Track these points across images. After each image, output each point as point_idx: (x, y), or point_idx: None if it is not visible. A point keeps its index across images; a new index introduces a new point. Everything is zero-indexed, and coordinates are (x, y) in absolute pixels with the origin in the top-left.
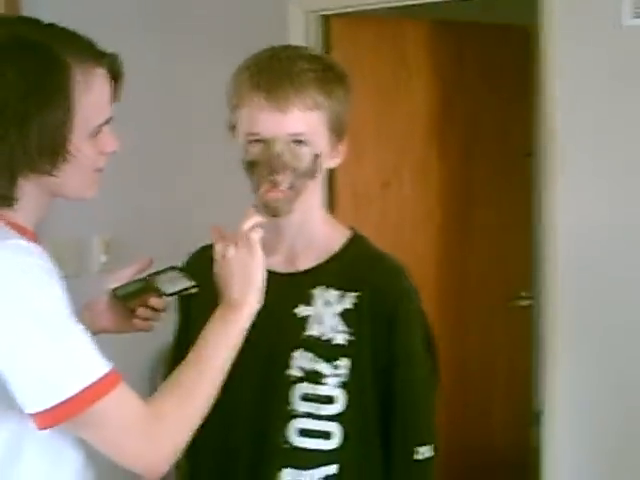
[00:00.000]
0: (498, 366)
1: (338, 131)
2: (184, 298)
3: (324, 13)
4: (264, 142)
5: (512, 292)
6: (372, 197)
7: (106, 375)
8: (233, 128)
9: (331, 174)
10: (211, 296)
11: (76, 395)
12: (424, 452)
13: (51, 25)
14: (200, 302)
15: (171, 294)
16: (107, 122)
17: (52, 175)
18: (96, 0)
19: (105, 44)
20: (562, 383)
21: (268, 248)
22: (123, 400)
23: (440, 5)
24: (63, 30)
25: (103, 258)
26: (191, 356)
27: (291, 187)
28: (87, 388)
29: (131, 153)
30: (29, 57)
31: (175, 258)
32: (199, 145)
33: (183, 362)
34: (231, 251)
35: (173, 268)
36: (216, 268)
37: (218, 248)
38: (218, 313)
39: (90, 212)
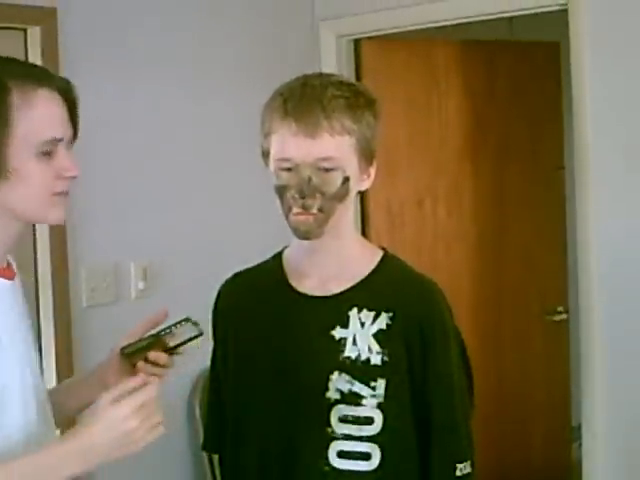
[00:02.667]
0: (536, 380)
1: (367, 155)
2: (219, 323)
3: (355, 37)
4: (294, 167)
5: (548, 306)
6: (406, 216)
7: None
8: (266, 155)
9: (365, 194)
10: (246, 318)
11: None
12: (463, 468)
13: (1, 57)
14: (235, 324)
15: (173, 347)
16: (56, 141)
17: None
18: (127, 35)
19: (138, 76)
20: (600, 397)
21: (302, 272)
22: None
23: (470, 25)
24: (11, 59)
25: (141, 285)
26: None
27: (321, 210)
28: None
29: (167, 181)
30: None
31: (211, 284)
32: (235, 172)
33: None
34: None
35: (187, 320)
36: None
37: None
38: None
39: (127, 239)
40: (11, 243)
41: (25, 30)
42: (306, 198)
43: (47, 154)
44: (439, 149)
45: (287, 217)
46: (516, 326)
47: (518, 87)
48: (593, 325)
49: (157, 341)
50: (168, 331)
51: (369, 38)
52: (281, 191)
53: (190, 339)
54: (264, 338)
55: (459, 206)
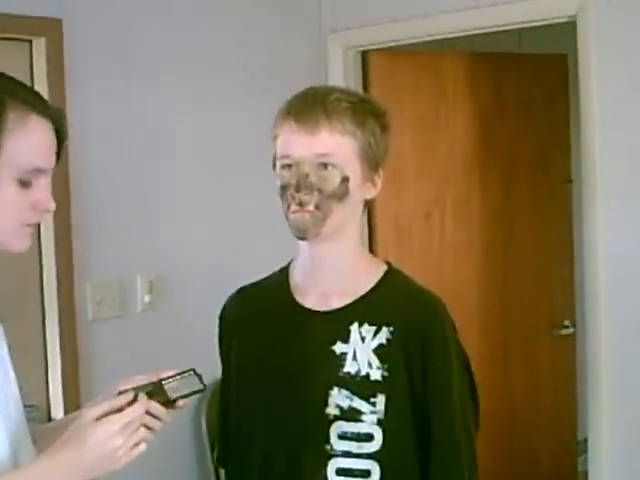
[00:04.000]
0: (543, 394)
1: (371, 162)
2: (224, 337)
3: (363, 49)
4: (294, 163)
5: (555, 320)
6: (414, 229)
7: None
8: (275, 163)
9: (373, 207)
10: (250, 333)
11: None
12: None
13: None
14: (239, 339)
15: (174, 400)
16: (40, 172)
17: None
18: (132, 46)
19: (144, 87)
20: (606, 411)
21: (305, 286)
22: None
23: (478, 37)
24: (11, 78)
25: (147, 298)
26: None
27: (318, 208)
28: None
29: (174, 194)
30: None
31: (218, 297)
32: (242, 185)
33: None
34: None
35: (192, 371)
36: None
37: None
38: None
39: (133, 252)
40: None
41: (30, 41)
42: (302, 193)
43: (28, 182)
44: (446, 161)
45: (287, 217)
46: (523, 339)
47: (526, 99)
48: (600, 339)
49: (158, 390)
50: (171, 380)
51: (377, 50)
52: (283, 192)
53: (193, 393)
54: (266, 353)
55: (466, 219)
